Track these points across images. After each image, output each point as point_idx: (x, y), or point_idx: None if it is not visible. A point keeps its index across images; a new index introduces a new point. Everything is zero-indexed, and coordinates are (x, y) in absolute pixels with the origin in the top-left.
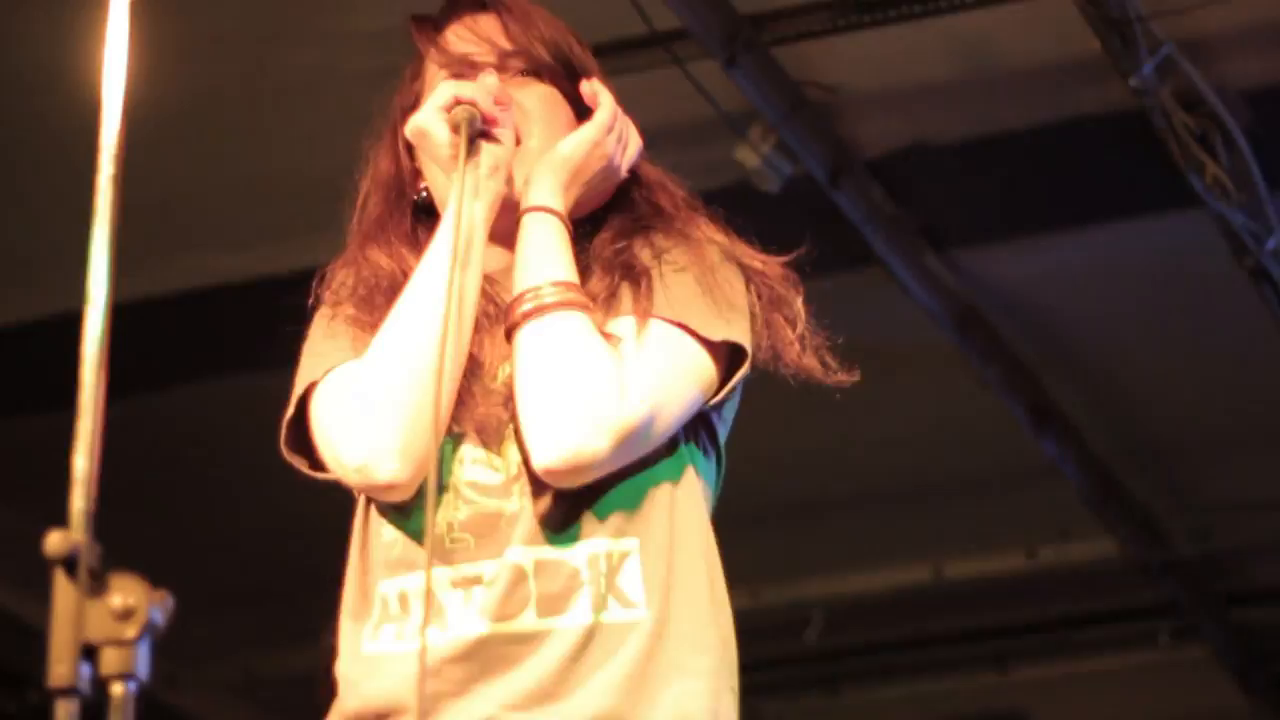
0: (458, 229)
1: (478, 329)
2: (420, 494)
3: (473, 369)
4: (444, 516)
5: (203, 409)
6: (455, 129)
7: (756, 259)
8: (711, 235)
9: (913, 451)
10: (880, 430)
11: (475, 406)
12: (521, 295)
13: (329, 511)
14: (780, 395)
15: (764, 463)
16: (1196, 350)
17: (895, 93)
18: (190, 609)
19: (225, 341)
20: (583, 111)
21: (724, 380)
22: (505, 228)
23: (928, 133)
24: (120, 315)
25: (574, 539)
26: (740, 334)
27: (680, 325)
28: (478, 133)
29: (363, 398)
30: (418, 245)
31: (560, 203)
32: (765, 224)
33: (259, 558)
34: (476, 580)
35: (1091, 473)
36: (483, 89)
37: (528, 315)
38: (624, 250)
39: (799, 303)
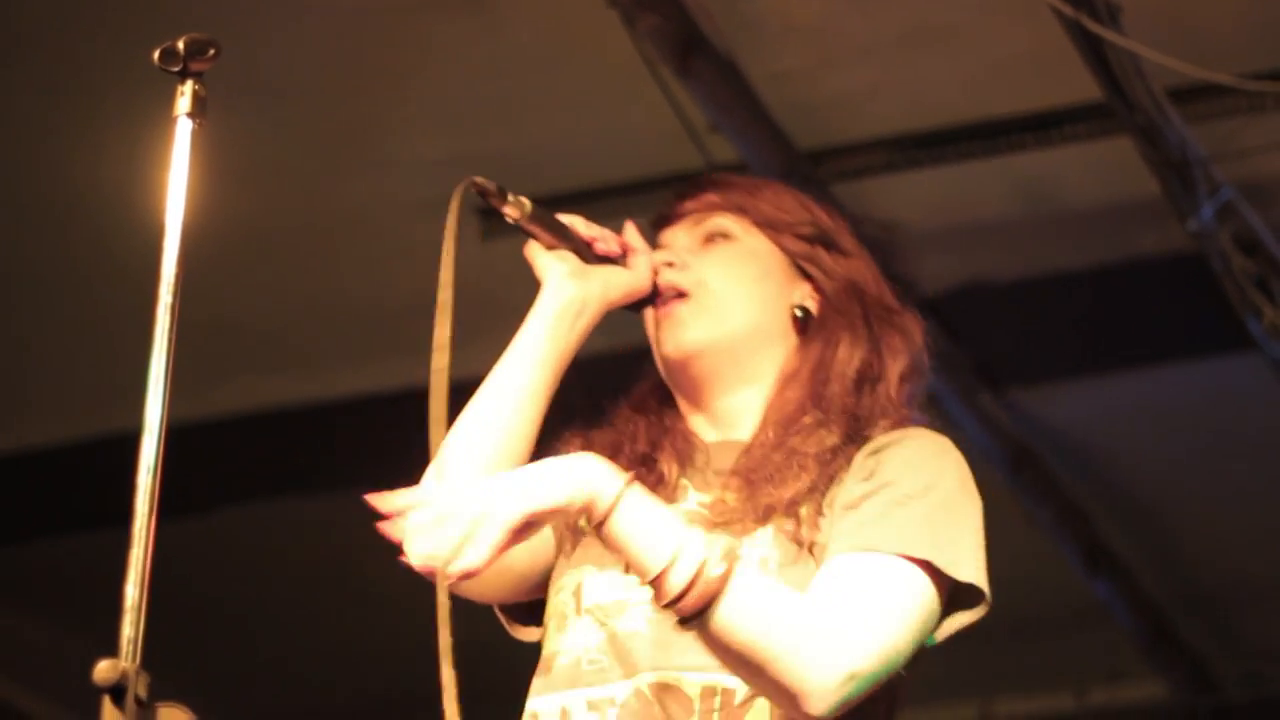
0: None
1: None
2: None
3: None
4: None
5: (256, 531)
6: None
7: None
8: None
9: None
10: None
11: None
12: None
13: (381, 638)
14: None
15: None
16: (1250, 494)
17: (952, 231)
18: None
19: (280, 465)
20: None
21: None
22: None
23: (984, 271)
24: (176, 436)
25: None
26: None
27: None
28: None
29: None
30: None
31: None
32: None
33: (308, 684)
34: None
35: (1143, 615)
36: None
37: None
38: None
39: None
